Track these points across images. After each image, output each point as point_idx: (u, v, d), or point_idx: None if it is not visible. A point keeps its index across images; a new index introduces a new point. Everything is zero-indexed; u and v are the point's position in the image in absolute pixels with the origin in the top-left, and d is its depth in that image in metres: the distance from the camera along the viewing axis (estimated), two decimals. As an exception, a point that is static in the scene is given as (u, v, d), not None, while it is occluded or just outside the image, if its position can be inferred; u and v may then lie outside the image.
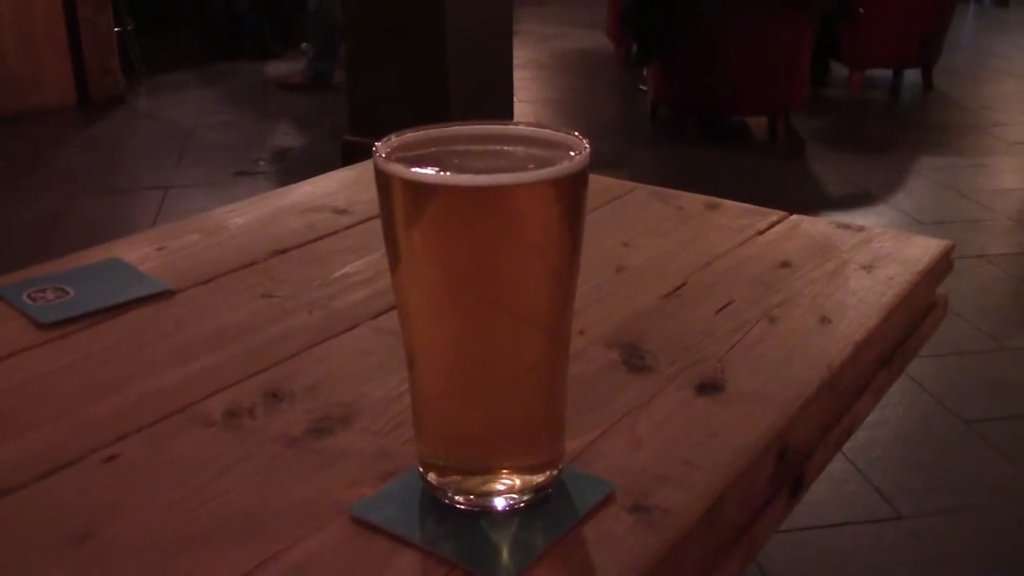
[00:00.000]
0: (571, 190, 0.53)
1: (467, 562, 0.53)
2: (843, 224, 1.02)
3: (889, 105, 5.31)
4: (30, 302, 0.84)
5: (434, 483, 0.58)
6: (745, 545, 0.63)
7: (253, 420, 0.67)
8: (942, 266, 0.95)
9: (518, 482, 0.57)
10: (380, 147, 0.54)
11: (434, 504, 0.57)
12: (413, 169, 0.51)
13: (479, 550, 0.54)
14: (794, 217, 1.04)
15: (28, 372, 0.75)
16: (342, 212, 1.06)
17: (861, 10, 4.74)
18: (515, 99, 4.06)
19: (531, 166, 0.52)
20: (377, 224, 0.55)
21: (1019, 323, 2.72)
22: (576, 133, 0.55)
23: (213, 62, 5.89)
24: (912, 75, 5.41)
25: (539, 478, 0.57)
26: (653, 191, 1.13)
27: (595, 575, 0.53)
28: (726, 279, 0.89)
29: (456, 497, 0.57)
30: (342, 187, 1.15)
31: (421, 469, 0.59)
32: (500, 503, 0.57)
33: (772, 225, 1.02)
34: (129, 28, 5.42)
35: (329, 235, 1.01)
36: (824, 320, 0.81)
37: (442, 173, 0.51)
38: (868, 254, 0.94)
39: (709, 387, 0.71)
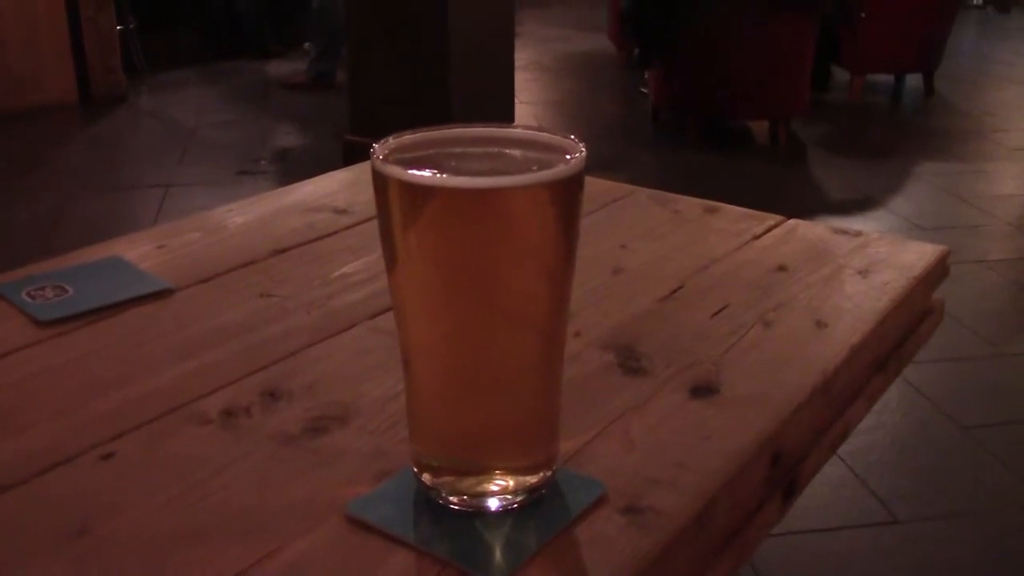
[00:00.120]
0: (567, 193, 0.54)
1: (460, 562, 0.53)
2: (840, 229, 1.03)
3: (890, 110, 5.32)
4: (29, 300, 0.84)
5: (428, 483, 0.58)
6: (737, 548, 0.63)
7: (250, 419, 0.67)
8: (938, 271, 0.95)
9: (512, 483, 0.57)
10: (377, 149, 0.54)
11: (428, 504, 0.58)
12: (410, 171, 0.52)
13: (472, 550, 0.54)
14: (791, 222, 1.04)
15: (27, 370, 0.75)
16: (342, 212, 1.07)
17: (863, 14, 4.74)
18: (516, 101, 4.06)
19: (527, 169, 0.52)
20: (376, 224, 0.56)
21: (1017, 329, 2.72)
22: (573, 136, 0.56)
23: (215, 61, 5.89)
24: (913, 80, 5.42)
25: (533, 479, 0.58)
26: (652, 194, 1.13)
27: (587, 576, 0.53)
28: (722, 283, 0.90)
29: (450, 497, 0.57)
30: (342, 187, 1.16)
31: (415, 469, 0.59)
32: (494, 504, 0.57)
33: (769, 229, 1.02)
34: (131, 27, 5.43)
35: (329, 235, 1.01)
36: (819, 324, 0.82)
37: (438, 175, 0.51)
38: (864, 259, 0.95)
39: (704, 390, 0.71)
